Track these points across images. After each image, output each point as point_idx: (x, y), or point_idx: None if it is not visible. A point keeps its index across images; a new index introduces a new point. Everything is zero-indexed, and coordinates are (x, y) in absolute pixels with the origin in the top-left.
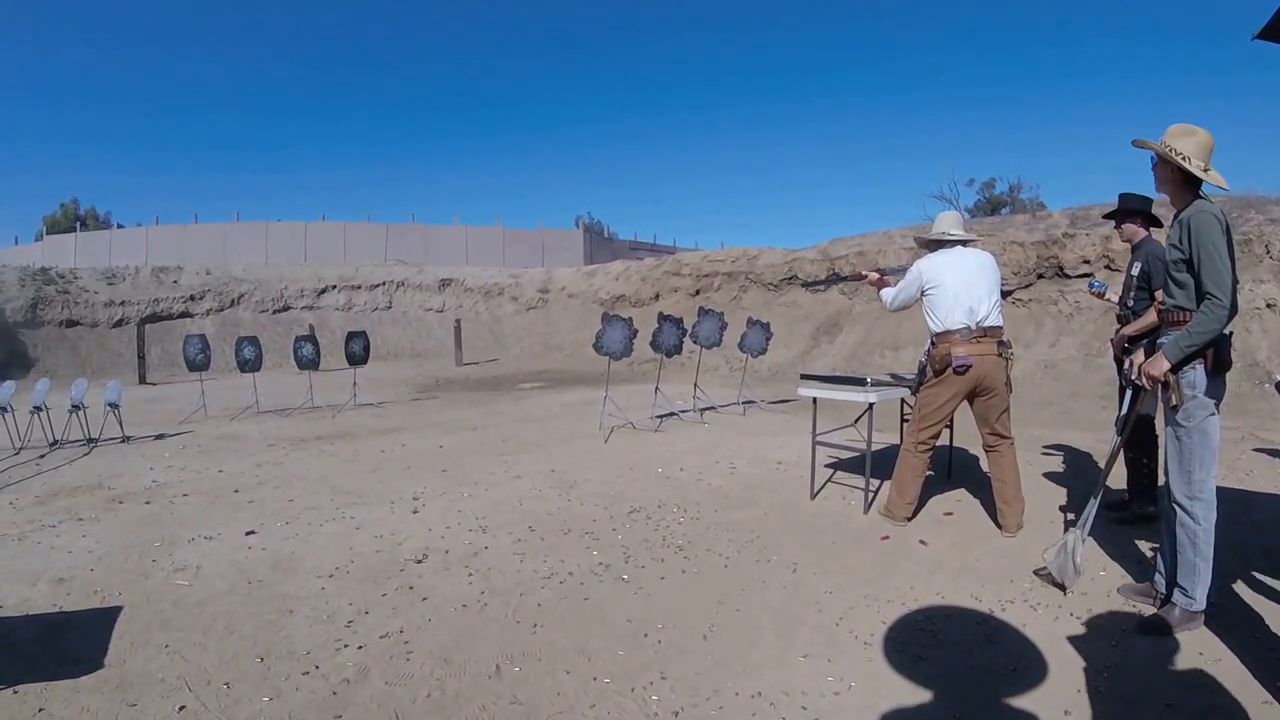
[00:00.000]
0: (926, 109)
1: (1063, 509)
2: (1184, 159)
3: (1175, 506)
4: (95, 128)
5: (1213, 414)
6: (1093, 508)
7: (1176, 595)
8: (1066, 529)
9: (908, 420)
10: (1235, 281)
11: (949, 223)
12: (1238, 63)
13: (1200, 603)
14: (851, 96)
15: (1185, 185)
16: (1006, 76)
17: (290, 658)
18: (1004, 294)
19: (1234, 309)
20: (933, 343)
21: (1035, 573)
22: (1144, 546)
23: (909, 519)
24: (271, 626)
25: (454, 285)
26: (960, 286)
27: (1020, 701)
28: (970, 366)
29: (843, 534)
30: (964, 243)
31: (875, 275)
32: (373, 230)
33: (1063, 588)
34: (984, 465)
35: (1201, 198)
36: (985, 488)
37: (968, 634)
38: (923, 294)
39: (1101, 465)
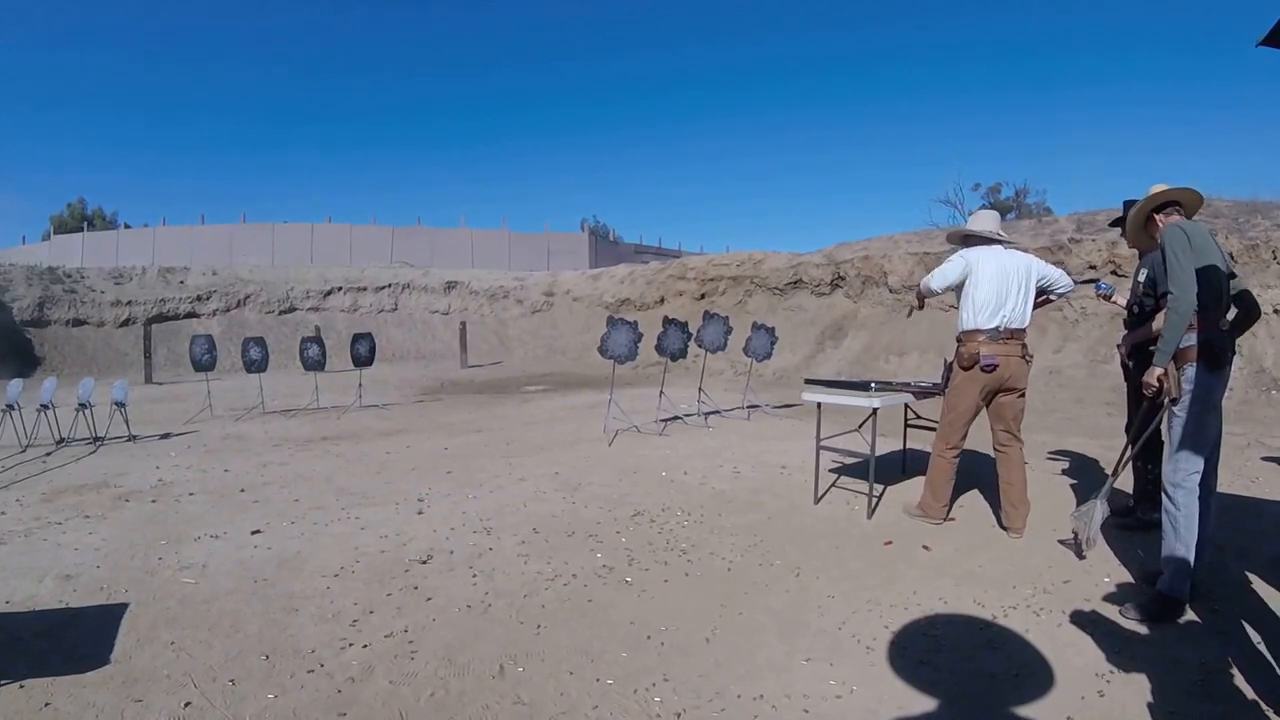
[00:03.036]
0: (933, 113)
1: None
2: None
3: (1163, 493)
4: (103, 129)
5: (1211, 409)
6: (1111, 483)
7: (1160, 580)
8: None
9: (911, 425)
10: (1213, 280)
11: (990, 222)
12: (1244, 68)
13: (1181, 591)
14: (857, 101)
15: (1155, 220)
16: (1013, 81)
17: (295, 656)
18: (1043, 293)
19: (1206, 303)
20: (959, 340)
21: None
22: (1147, 553)
23: (944, 520)
24: (277, 625)
25: (459, 288)
26: (997, 285)
27: (1023, 708)
28: (997, 366)
29: (846, 539)
30: (1002, 244)
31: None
32: (379, 232)
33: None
34: (987, 470)
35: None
36: (988, 493)
37: (970, 639)
38: (962, 284)
39: (1108, 472)
